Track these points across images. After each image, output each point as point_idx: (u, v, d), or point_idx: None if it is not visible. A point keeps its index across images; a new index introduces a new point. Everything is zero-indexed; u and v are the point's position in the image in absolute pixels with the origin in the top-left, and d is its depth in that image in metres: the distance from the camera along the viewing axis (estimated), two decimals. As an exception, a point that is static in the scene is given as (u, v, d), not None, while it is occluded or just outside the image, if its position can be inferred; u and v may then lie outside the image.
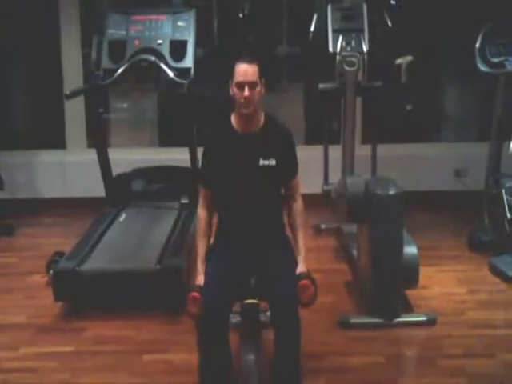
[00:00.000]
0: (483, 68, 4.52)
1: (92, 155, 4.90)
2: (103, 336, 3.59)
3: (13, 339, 3.57)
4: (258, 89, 2.79)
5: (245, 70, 2.77)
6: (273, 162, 2.86)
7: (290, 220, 3.00)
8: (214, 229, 3.04)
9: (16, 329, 3.69)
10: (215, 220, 3.03)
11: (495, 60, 4.50)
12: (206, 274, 2.85)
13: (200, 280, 2.83)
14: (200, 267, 2.89)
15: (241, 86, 2.76)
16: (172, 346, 3.46)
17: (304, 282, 2.78)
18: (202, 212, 2.99)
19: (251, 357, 2.82)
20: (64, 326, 3.71)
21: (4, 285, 4.25)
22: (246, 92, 2.75)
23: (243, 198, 2.88)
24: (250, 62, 2.79)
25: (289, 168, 2.94)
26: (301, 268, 2.86)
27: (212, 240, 3.02)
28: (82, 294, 3.84)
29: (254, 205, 2.88)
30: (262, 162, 2.85)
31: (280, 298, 2.75)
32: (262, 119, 2.91)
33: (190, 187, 4.90)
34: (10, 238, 5.04)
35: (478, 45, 4.52)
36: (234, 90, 2.80)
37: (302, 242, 2.94)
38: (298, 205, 2.98)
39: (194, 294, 2.74)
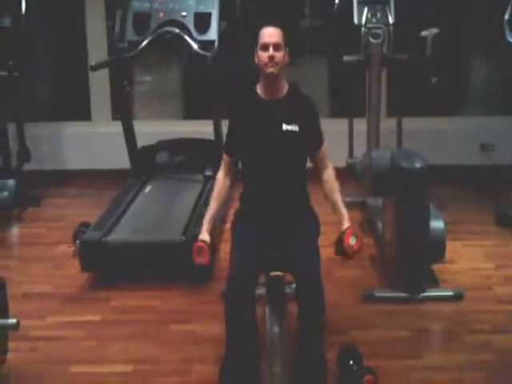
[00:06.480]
0: (512, 40, 4.45)
1: (117, 127, 4.92)
2: (129, 306, 3.63)
3: (40, 308, 3.61)
4: (282, 53, 2.81)
5: (270, 32, 2.80)
6: (295, 128, 2.86)
7: (327, 187, 2.96)
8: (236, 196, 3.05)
9: (43, 298, 3.73)
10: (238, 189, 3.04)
11: (524, 32, 4.45)
12: (233, 248, 2.87)
13: (203, 235, 2.91)
14: (206, 224, 2.95)
15: (265, 46, 2.79)
16: (196, 317, 3.49)
17: (351, 231, 2.85)
18: (220, 176, 3.03)
19: (276, 328, 2.82)
20: (90, 296, 3.76)
21: (32, 254, 4.31)
22: (271, 51, 2.78)
23: (267, 164, 2.88)
24: (275, 25, 2.83)
25: (314, 137, 2.94)
26: (346, 224, 2.89)
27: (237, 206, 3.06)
28: (108, 265, 3.87)
29: (278, 172, 2.88)
30: (285, 126, 2.85)
31: (304, 272, 2.75)
32: (286, 88, 2.92)
33: (214, 159, 4.90)
34: (38, 208, 5.08)
35: (507, 16, 4.46)
36: (258, 55, 2.82)
37: (343, 203, 2.94)
38: (330, 170, 2.98)
39: (200, 244, 2.87)
